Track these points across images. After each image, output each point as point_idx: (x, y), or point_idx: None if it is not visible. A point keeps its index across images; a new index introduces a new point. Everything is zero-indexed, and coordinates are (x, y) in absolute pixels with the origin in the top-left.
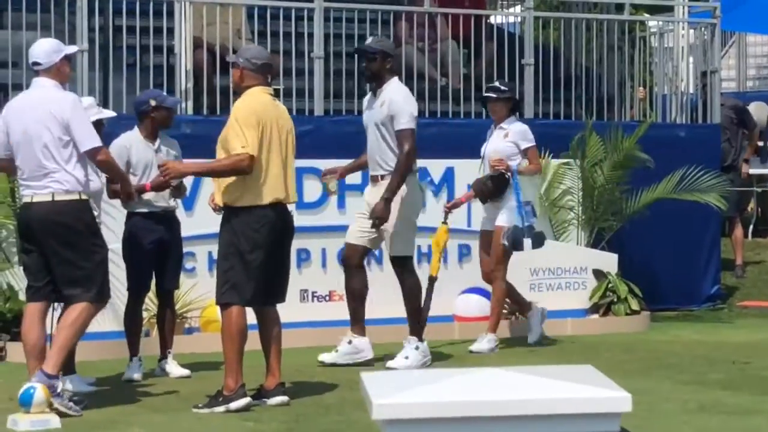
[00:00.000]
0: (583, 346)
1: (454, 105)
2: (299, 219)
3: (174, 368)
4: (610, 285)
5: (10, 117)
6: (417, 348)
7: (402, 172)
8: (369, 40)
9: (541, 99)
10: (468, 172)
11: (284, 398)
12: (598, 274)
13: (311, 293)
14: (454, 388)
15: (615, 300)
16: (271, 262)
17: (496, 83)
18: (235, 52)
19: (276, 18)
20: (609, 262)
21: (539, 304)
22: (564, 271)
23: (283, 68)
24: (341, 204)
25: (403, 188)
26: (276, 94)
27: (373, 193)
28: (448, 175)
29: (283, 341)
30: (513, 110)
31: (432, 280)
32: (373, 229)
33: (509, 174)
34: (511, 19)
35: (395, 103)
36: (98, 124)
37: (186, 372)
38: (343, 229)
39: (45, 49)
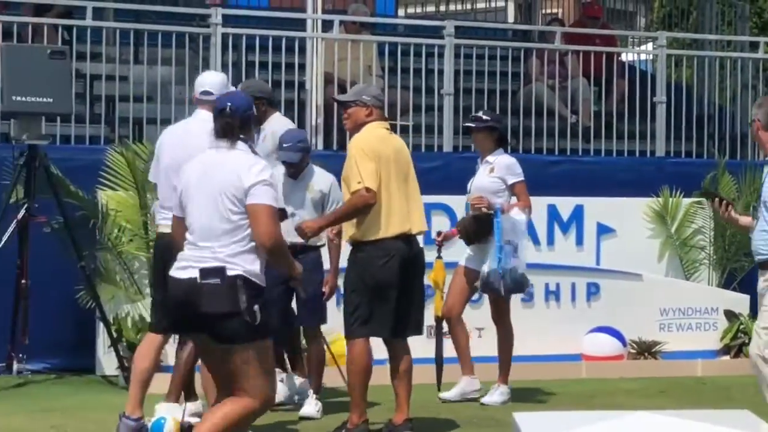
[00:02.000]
0: (715, 387)
1: (584, 143)
2: (427, 254)
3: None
4: (741, 326)
5: (164, 143)
6: None
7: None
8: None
9: (672, 137)
10: (597, 209)
11: None
12: (730, 315)
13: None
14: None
15: (747, 341)
16: (401, 295)
17: (480, 113)
18: None
19: (406, 54)
20: (741, 303)
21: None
22: (694, 311)
23: (413, 104)
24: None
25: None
26: (404, 130)
27: None
28: (578, 213)
29: (414, 377)
30: (500, 142)
31: (438, 321)
32: None
33: (492, 212)
34: (643, 57)
35: None
36: None
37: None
38: None
39: (218, 81)
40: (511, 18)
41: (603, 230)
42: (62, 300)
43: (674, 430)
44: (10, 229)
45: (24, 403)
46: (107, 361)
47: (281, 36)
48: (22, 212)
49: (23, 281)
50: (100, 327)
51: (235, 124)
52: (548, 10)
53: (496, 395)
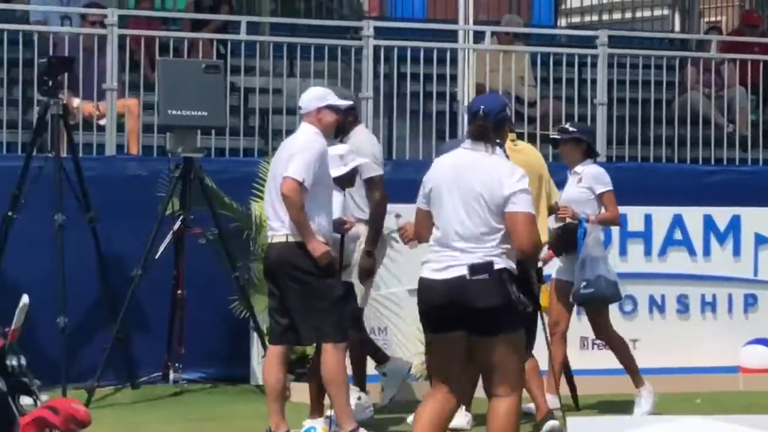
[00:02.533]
0: None
1: (741, 152)
2: None
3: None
4: None
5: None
6: (359, 399)
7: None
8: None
9: None
10: (755, 220)
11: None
12: None
13: (591, 341)
14: None
15: None
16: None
17: (567, 124)
18: (518, 99)
19: (559, 64)
20: None
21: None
22: None
23: (566, 114)
24: (623, 250)
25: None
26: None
27: None
28: (734, 223)
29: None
30: (588, 153)
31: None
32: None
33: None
34: None
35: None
36: (353, 172)
37: None
38: (624, 276)
39: (309, 95)
40: (674, 26)
41: (761, 240)
42: (217, 310)
43: None
44: (167, 240)
45: (180, 412)
46: (261, 371)
47: (432, 47)
48: (178, 224)
49: (179, 292)
50: (254, 337)
51: (488, 126)
52: (711, 18)
53: (644, 403)
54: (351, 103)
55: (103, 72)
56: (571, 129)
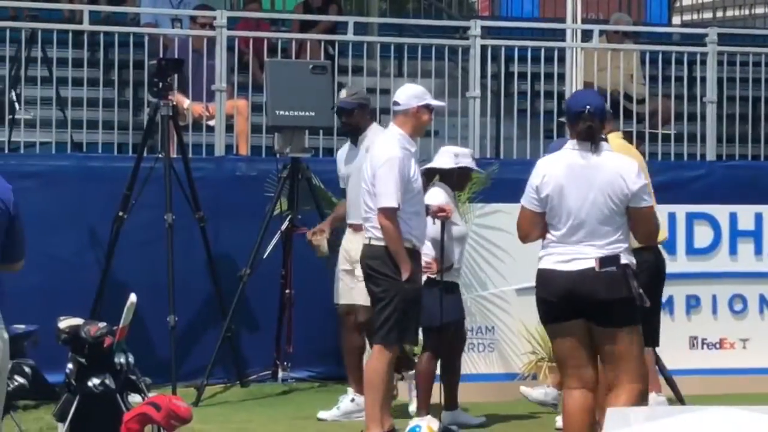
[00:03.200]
0: None
1: None
2: (689, 265)
3: None
4: None
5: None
6: (353, 400)
7: None
8: (342, 94)
9: None
10: None
11: None
12: None
13: (701, 340)
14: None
15: None
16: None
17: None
18: (628, 97)
19: (668, 62)
20: None
21: None
22: None
23: (675, 113)
24: (733, 249)
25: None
26: (666, 138)
27: (355, 242)
28: None
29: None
30: None
31: None
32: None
33: None
34: None
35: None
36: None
37: None
38: (734, 276)
39: (408, 92)
40: None
41: None
42: (325, 309)
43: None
44: (275, 240)
45: (288, 411)
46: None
47: (540, 46)
48: (286, 224)
49: (287, 291)
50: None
51: (596, 126)
52: None
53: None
54: (442, 104)
55: (212, 73)
56: None
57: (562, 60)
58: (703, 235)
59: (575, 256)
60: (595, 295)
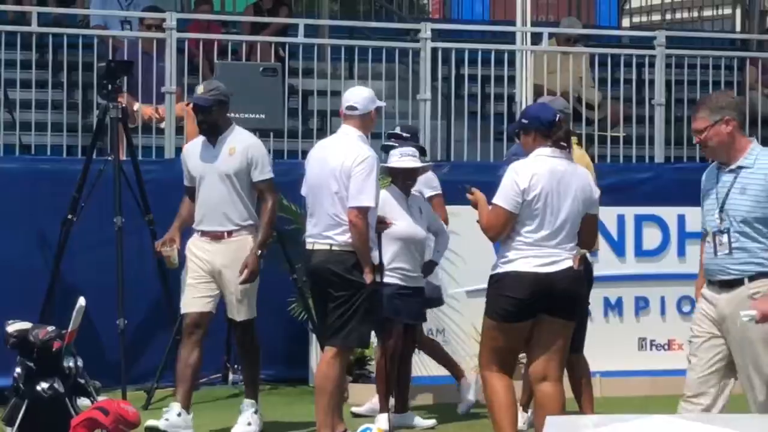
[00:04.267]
0: None
1: None
2: (638, 267)
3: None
4: None
5: (311, 158)
6: (256, 412)
7: (273, 224)
8: (199, 90)
9: None
10: None
11: None
12: None
13: (650, 341)
14: None
15: None
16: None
17: (397, 129)
18: (578, 100)
19: (618, 65)
20: None
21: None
22: None
23: (624, 115)
24: (681, 251)
25: (252, 242)
26: (615, 141)
27: (219, 252)
28: None
29: (620, 389)
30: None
31: None
32: (217, 292)
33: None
34: None
35: (255, 148)
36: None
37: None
38: (683, 277)
39: (364, 96)
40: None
41: None
42: (275, 312)
43: None
44: None
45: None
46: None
47: (490, 49)
48: None
49: None
50: (313, 338)
51: (570, 130)
52: None
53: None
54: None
55: (162, 75)
56: (405, 135)
57: (512, 63)
58: (651, 237)
59: (554, 259)
60: (568, 293)
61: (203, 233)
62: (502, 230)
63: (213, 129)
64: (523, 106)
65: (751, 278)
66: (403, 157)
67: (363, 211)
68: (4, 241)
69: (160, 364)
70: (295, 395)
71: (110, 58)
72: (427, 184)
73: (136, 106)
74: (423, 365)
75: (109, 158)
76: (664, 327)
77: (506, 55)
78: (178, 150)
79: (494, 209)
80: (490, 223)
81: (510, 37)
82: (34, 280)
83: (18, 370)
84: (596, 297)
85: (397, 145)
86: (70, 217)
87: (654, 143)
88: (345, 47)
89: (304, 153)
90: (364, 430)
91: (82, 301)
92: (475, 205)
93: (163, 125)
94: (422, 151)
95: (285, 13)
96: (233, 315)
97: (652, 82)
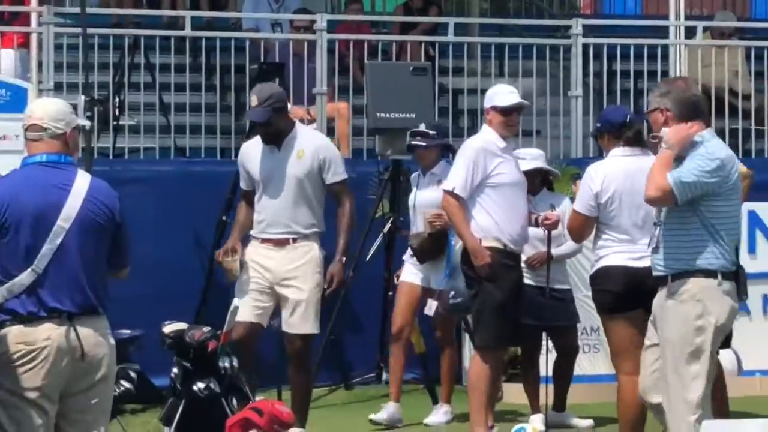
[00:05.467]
0: None
1: None
2: None
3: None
4: None
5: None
6: None
7: (353, 227)
8: (253, 101)
9: None
10: None
11: None
12: None
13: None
14: None
15: None
16: None
17: (422, 127)
18: (733, 93)
19: None
20: None
21: None
22: None
23: None
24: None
25: (318, 251)
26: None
27: (283, 259)
28: None
29: None
30: (444, 154)
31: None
32: (270, 304)
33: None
34: None
35: (326, 149)
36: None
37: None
38: None
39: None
40: None
41: None
42: None
43: None
44: (377, 242)
45: None
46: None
47: (643, 44)
48: (388, 226)
49: (390, 293)
50: (466, 338)
51: (642, 129)
52: None
53: (440, 414)
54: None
55: (313, 76)
56: (432, 133)
57: (665, 57)
58: None
59: (642, 254)
60: (653, 287)
61: (264, 240)
62: (582, 232)
63: (277, 136)
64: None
65: None
66: (534, 159)
67: (450, 196)
68: (160, 242)
69: (315, 364)
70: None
71: (262, 60)
72: None
73: (288, 107)
74: (578, 364)
75: None
76: None
77: (659, 49)
78: None
79: (573, 214)
80: (570, 227)
81: (663, 32)
82: (189, 282)
83: (175, 370)
84: (755, 294)
85: (423, 144)
86: (224, 218)
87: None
88: (495, 45)
89: (454, 152)
90: (518, 430)
91: (236, 302)
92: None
93: (314, 126)
94: (449, 149)
95: (435, 12)
96: (294, 328)
97: None
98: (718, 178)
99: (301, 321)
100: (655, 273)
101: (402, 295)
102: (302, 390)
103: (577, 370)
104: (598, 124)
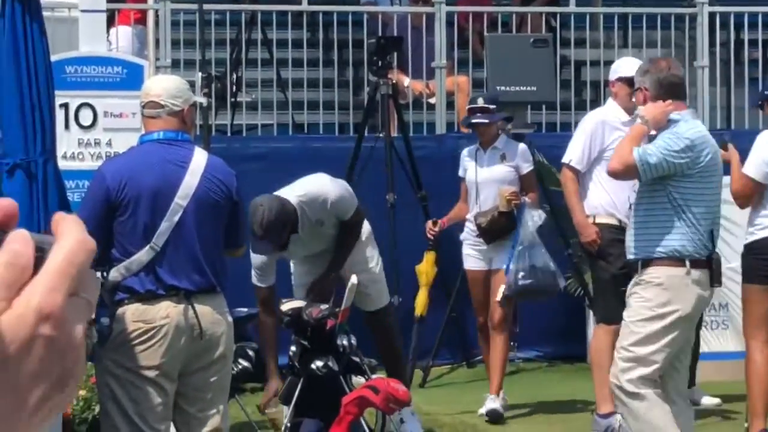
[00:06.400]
0: None
1: None
2: None
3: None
4: None
5: None
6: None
7: (351, 248)
8: (479, 102)
9: None
10: None
11: None
12: None
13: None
14: None
15: None
16: None
17: (480, 101)
18: None
19: None
20: None
21: None
22: None
23: None
24: None
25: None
26: None
27: None
28: None
29: None
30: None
31: (420, 320)
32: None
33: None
34: None
35: (332, 208)
36: None
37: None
38: None
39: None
40: None
41: None
42: None
43: None
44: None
45: (516, 390)
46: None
47: None
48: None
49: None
50: (590, 314)
51: None
52: None
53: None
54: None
55: (431, 50)
56: (492, 107)
57: None
58: None
59: None
60: None
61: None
62: (750, 199)
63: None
64: None
65: None
66: None
67: (566, 168)
68: None
69: (436, 342)
70: (571, 372)
71: (380, 34)
72: (525, 158)
73: (407, 81)
74: (704, 341)
75: (381, 135)
76: None
77: None
78: (449, 125)
79: (744, 178)
80: (738, 192)
81: None
82: None
83: (293, 348)
84: None
85: (486, 120)
86: None
87: None
88: (618, 15)
89: (576, 125)
90: None
91: (354, 279)
92: (728, 162)
93: (433, 101)
94: (509, 120)
95: None
96: (372, 305)
97: None
98: (687, 158)
99: (377, 297)
100: (628, 256)
101: (474, 287)
102: (393, 350)
103: (704, 347)
104: (767, 92)
